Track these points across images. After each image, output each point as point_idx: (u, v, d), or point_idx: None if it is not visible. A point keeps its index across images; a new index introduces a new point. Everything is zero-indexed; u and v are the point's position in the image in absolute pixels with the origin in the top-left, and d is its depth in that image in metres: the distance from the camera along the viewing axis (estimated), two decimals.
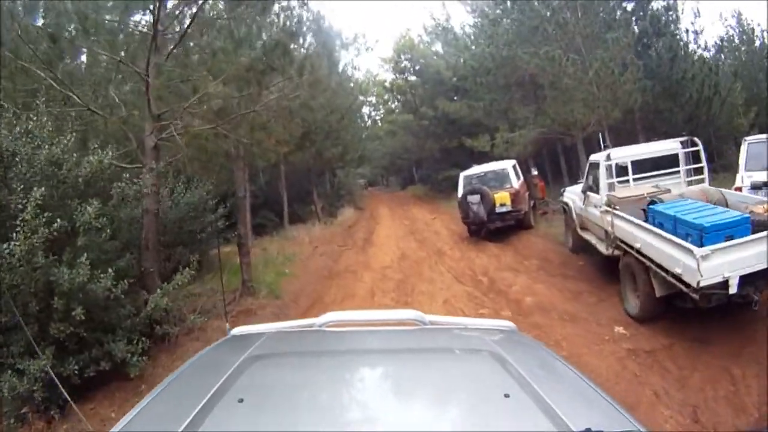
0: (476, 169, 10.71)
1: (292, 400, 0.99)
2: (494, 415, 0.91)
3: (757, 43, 14.94)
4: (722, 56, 15.18)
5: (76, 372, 3.87)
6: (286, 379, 1.13)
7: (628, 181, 5.94)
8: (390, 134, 27.45)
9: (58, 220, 3.65)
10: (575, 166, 18.53)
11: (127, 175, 5.10)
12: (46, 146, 4.02)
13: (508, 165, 10.52)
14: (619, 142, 8.99)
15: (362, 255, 10.57)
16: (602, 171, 5.85)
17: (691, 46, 13.40)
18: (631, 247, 4.66)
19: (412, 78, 22.71)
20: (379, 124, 34.02)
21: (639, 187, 5.72)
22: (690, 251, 3.65)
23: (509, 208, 9.69)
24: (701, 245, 3.70)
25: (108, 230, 4.37)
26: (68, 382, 3.72)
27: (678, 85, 11.73)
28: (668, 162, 6.00)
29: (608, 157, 5.89)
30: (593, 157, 6.60)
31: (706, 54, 13.92)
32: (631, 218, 4.78)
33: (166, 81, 5.46)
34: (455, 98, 18.66)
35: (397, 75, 23.30)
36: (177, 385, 1.15)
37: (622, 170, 5.95)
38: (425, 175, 32.08)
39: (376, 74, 25.79)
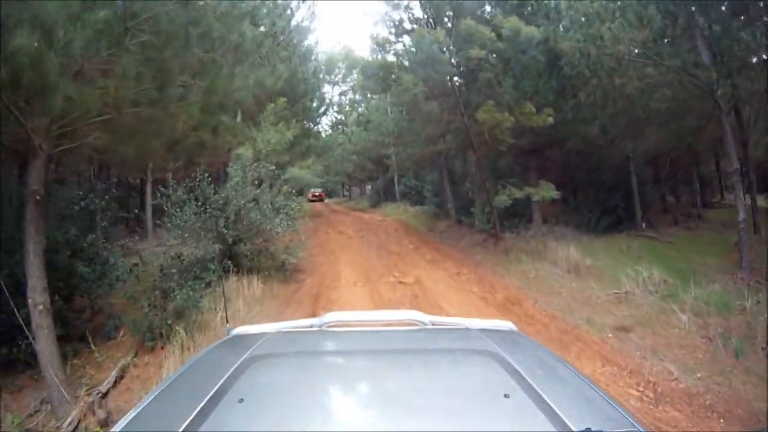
0: None
1: (293, 401, 0.97)
2: (494, 415, 0.91)
3: None
4: None
5: None
6: (286, 380, 1.11)
7: None
8: (382, 83, 11.20)
9: None
10: None
11: None
12: None
13: None
14: None
15: None
16: None
17: None
18: None
19: None
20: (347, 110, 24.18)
21: None
22: None
23: None
24: None
25: None
26: None
27: None
28: None
29: None
30: None
31: None
32: None
33: None
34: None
35: None
36: (177, 385, 1.13)
37: None
38: (416, 188, 22.14)
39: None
